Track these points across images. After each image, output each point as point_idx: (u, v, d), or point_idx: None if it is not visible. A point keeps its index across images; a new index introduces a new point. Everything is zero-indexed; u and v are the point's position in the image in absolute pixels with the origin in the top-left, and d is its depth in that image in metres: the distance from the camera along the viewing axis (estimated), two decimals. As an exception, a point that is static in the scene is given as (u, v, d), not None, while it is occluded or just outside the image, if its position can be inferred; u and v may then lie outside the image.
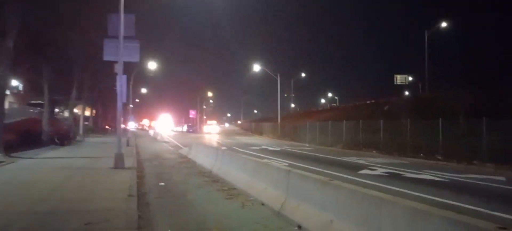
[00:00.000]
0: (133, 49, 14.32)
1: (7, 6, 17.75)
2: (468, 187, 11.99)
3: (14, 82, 41.06)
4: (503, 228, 3.70)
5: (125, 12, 13.92)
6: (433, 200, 9.13)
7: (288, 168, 8.17)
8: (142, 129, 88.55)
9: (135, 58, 14.56)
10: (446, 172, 14.96)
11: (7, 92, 38.43)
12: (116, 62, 14.27)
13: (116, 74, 14.20)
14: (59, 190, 9.47)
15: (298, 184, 7.32)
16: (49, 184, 10.14)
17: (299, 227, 6.48)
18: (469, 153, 18.25)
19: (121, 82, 13.87)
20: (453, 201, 9.19)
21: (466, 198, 9.68)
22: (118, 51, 13.70)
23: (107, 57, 14.29)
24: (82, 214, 6.92)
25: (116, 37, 13.80)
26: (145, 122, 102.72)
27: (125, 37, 13.87)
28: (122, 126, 17.01)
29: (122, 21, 13.61)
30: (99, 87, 46.06)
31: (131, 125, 47.28)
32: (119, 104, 13.99)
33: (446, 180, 13.03)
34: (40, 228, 6.11)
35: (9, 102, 37.51)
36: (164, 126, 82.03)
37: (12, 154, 18.09)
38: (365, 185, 9.86)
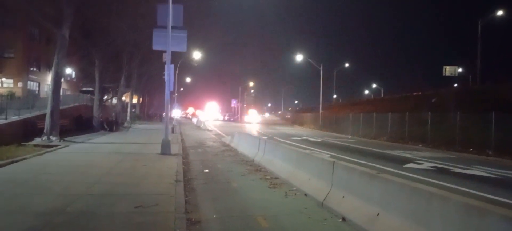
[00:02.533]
0: (180, 39, 14.68)
1: (63, -3, 18.69)
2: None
3: (68, 70, 43.24)
4: None
5: (178, 4, 14.31)
6: (485, 197, 8.76)
7: (333, 159, 8.12)
8: (186, 117, 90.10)
9: (182, 48, 14.92)
10: (499, 168, 14.26)
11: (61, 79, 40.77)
12: (164, 51, 14.68)
13: (164, 63, 14.61)
14: (111, 174, 9.97)
15: (344, 175, 7.26)
16: (101, 168, 10.69)
17: (343, 219, 6.46)
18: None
19: (169, 72, 14.28)
20: (506, 199, 8.78)
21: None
22: (167, 41, 14.09)
23: (156, 46, 14.74)
24: (133, 197, 7.27)
25: (164, 27, 14.19)
26: (190, 110, 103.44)
27: (173, 27, 14.24)
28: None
29: (170, 12, 13.96)
30: (147, 76, 47.57)
31: (176, 113, 48.42)
32: (167, 92, 14.42)
33: (499, 177, 12.43)
34: (96, 209, 6.47)
35: (63, 89, 39.65)
36: (209, 114, 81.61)
37: (65, 138, 19.17)
38: (411, 179, 9.63)
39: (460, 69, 55.91)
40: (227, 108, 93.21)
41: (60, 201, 6.81)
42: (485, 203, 4.47)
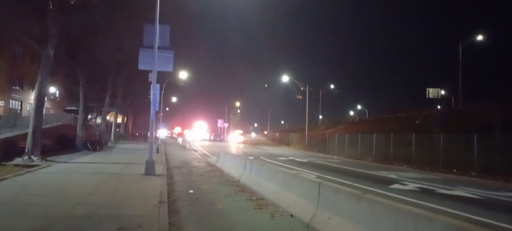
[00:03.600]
0: (167, 59, 14.65)
1: (49, 15, 18.56)
2: (506, 205, 11.53)
3: (52, 89, 42.69)
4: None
5: (165, 24, 14.34)
6: (469, 217, 8.82)
7: (319, 180, 8.09)
8: (171, 137, 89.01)
9: (168, 68, 14.88)
10: (482, 189, 14.42)
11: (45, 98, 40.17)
12: (150, 71, 14.62)
13: (150, 83, 14.53)
14: (93, 194, 9.74)
15: (330, 196, 7.23)
16: (84, 189, 10.45)
17: (330, 240, 6.40)
18: (507, 169, 17.53)
19: (154, 91, 14.18)
20: (490, 219, 8.85)
21: (504, 217, 9.31)
22: (153, 60, 14.04)
23: (142, 66, 14.67)
24: (115, 219, 7.10)
25: (151, 47, 14.16)
26: (177, 129, 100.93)
27: (159, 47, 14.22)
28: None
29: (157, 32, 13.96)
30: (132, 95, 47.28)
31: (162, 133, 47.67)
32: (152, 112, 14.30)
33: (482, 198, 12.56)
34: (77, 231, 6.29)
35: (46, 108, 39.03)
36: (197, 133, 78.29)
37: (47, 158, 18.78)
38: (396, 200, 9.64)
39: (442, 92, 57.09)
40: (213, 128, 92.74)
41: (41, 223, 6.59)
42: (471, 224, 4.49)
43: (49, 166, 16.10)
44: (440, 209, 9.69)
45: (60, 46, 21.62)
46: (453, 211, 9.58)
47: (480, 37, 40.66)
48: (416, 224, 4.89)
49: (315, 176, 14.57)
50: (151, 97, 14.16)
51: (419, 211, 5.10)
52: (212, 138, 75.60)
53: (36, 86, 19.25)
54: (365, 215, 5.93)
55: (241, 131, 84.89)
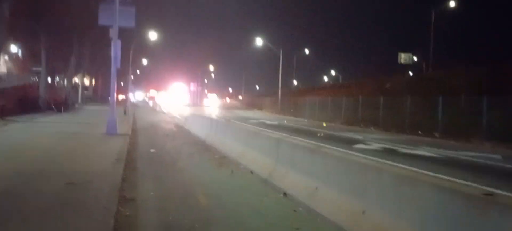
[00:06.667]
0: (128, 14, 14.05)
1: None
2: (462, 163, 11.85)
3: (14, 49, 40.69)
4: (489, 194, 3.55)
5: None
6: (427, 175, 8.98)
7: (278, 136, 8.02)
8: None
9: (130, 23, 14.28)
10: (443, 149, 14.80)
11: (6, 58, 38.33)
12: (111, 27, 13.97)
13: (111, 39, 13.92)
14: (48, 153, 9.36)
15: (288, 152, 7.18)
16: (39, 148, 10.06)
17: (285, 194, 6.36)
18: (468, 131, 18.06)
19: (115, 48, 13.61)
20: (447, 176, 9.03)
21: (459, 173, 9.54)
22: (113, 15, 13.40)
23: (102, 21, 14.03)
24: (66, 175, 6.80)
25: (112, 1, 13.48)
26: (152, 92, 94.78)
27: (121, 2, 13.56)
28: (122, 96, 16.86)
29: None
30: (100, 57, 45.70)
31: (138, 96, 45.19)
32: (113, 70, 13.78)
33: (441, 156, 12.89)
34: (21, 187, 5.98)
35: (8, 68, 37.34)
36: (175, 97, 70.11)
37: (6, 118, 18.01)
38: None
39: (415, 58, 57.81)
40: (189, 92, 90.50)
41: (-18, 180, 6.24)
42: (416, 173, 4.48)
43: (6, 124, 15.44)
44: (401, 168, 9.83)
45: (19, 3, 20.41)
46: (414, 170, 9.74)
47: (452, 4, 40.95)
48: (365, 175, 4.87)
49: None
50: (112, 54, 13.60)
51: (368, 162, 5.08)
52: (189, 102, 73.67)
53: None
54: (318, 169, 5.90)
55: (214, 95, 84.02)
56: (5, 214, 4.67)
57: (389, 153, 12.97)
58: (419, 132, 20.91)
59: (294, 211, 5.64)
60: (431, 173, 9.06)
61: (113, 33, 13.51)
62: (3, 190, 5.78)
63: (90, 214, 4.76)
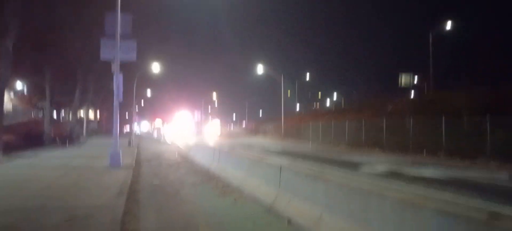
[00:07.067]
0: (130, 48, 14.21)
1: (7, 5, 17.73)
2: (470, 184, 11.71)
3: (19, 86, 41.23)
4: (495, 213, 3.47)
5: (126, 13, 13.88)
6: (430, 199, 8.86)
7: (280, 164, 7.99)
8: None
9: (132, 57, 14.44)
10: (449, 170, 14.65)
11: (12, 95, 38.73)
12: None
13: (113, 73, 14.07)
14: (51, 188, 9.35)
15: (290, 179, 7.14)
16: (42, 182, 10.05)
17: (289, 222, 6.29)
18: (473, 151, 17.90)
19: (117, 81, 13.75)
20: (454, 198, 8.89)
21: (467, 194, 9.38)
22: (115, 50, 13.60)
23: (104, 56, 14.20)
24: (66, 210, 6.77)
25: (113, 36, 13.69)
26: (158, 121, 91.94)
27: (122, 36, 13.78)
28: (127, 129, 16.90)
29: (118, 19, 13.51)
30: (105, 91, 46.10)
31: (143, 127, 44.71)
32: (116, 103, 13.88)
33: (448, 178, 12.74)
34: (21, 224, 5.96)
35: (13, 104, 37.68)
36: (181, 127, 64.69)
37: (11, 154, 18.06)
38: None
39: (416, 78, 57.86)
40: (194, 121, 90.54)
41: (-16, 217, 6.23)
42: (419, 198, 4.43)
43: (10, 161, 15.48)
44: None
45: (24, 39, 20.75)
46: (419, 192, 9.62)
47: (448, 26, 41.24)
48: (368, 201, 4.83)
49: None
50: (114, 87, 13.72)
51: (371, 188, 5.03)
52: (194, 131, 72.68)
53: (-5, 81, 18.37)
54: (322, 195, 5.85)
55: (217, 122, 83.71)
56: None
57: (394, 175, 12.85)
58: (424, 153, 20.75)
59: (299, 239, 5.57)
60: (436, 197, 8.96)
61: (115, 67, 13.66)
62: (4, 226, 5.76)
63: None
